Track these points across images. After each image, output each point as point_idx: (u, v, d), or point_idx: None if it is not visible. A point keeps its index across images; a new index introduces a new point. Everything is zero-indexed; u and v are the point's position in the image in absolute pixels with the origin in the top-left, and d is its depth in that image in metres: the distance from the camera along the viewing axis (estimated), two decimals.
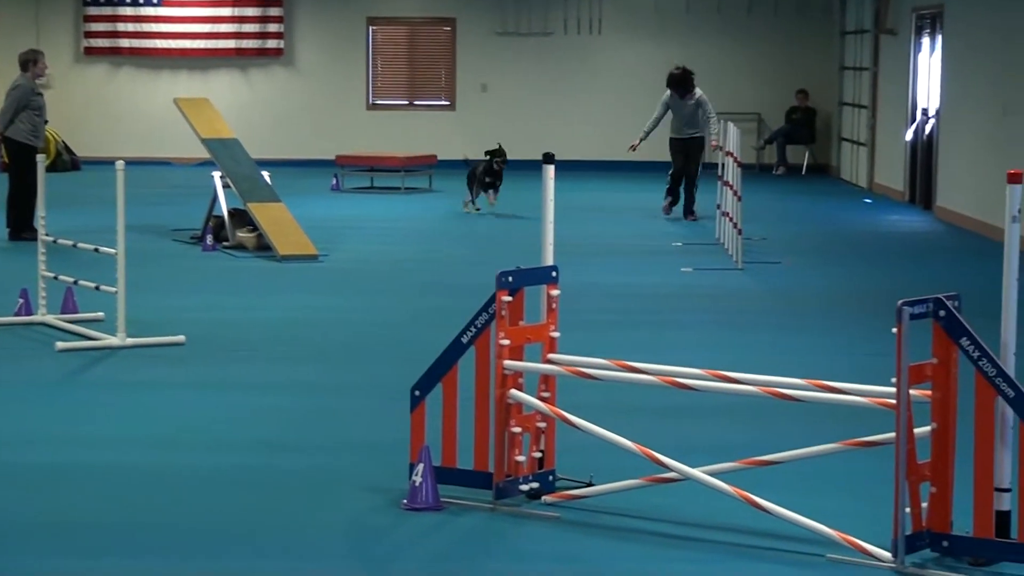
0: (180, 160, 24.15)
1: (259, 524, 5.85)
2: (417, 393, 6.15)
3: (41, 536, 5.68)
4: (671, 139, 17.19)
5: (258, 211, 14.08)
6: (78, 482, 6.41)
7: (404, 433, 6.22)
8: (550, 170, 6.39)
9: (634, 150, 17.21)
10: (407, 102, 25.12)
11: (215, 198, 14.45)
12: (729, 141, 14.67)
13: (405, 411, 6.22)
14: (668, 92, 17.08)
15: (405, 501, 5.98)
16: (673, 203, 17.26)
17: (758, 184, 20.06)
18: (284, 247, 13.60)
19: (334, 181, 20.86)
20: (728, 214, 14.27)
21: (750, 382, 5.86)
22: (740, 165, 13.90)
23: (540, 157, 6.49)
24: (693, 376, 5.97)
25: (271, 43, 24.79)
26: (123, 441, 7.10)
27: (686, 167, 17.11)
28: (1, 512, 5.97)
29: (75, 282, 9.85)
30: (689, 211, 17.05)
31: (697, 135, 17.14)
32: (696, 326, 10.41)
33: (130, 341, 9.21)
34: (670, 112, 17.15)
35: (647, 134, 17.10)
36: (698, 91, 17.03)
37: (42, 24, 24.73)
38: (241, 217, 14.33)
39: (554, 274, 6.30)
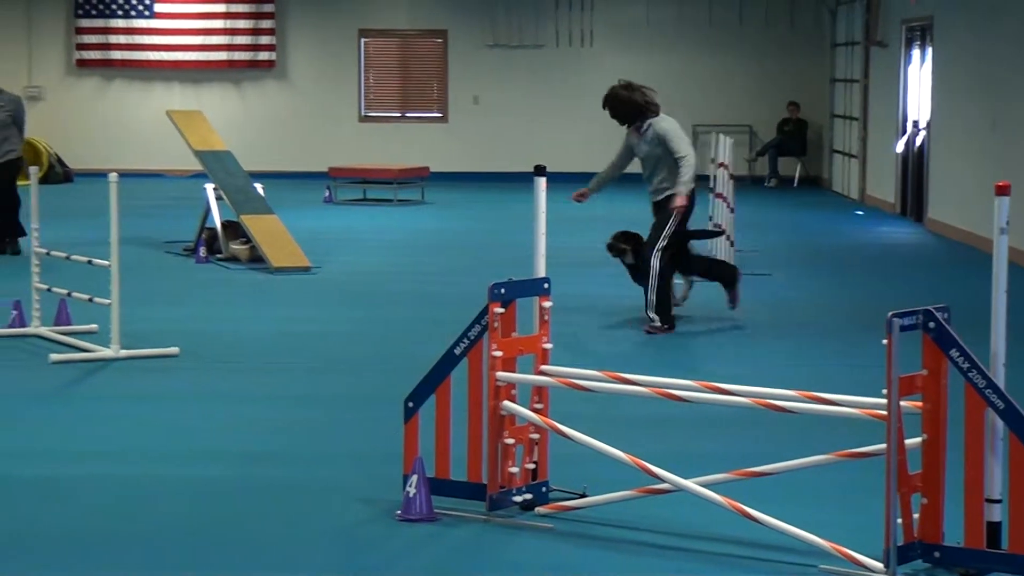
0: (173, 172, 24.18)
1: (253, 535, 5.87)
2: (411, 404, 6.17)
3: (34, 549, 5.68)
4: None
5: (251, 223, 14.10)
6: (71, 495, 6.42)
7: (396, 444, 6.24)
8: (542, 182, 6.42)
9: (582, 199, 10.70)
10: (399, 114, 25.16)
11: (208, 210, 14.48)
12: (722, 153, 14.71)
13: (397, 422, 6.24)
14: None
15: (399, 512, 6.00)
16: (665, 325, 10.47)
17: (750, 196, 20.12)
18: (277, 259, 13.63)
19: (327, 193, 20.89)
20: (720, 226, 14.31)
21: (741, 393, 5.88)
22: (732, 177, 13.96)
23: (532, 169, 6.53)
24: (685, 388, 6.00)
25: (263, 55, 24.84)
26: (116, 453, 7.11)
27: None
28: None
29: (69, 294, 9.86)
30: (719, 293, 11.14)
31: (664, 192, 10.48)
32: (687, 337, 10.44)
33: (124, 353, 9.23)
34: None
35: (599, 184, 10.73)
36: (661, 121, 10.43)
37: (34, 36, 24.77)
38: (234, 229, 14.35)
39: (546, 286, 6.33)
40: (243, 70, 24.91)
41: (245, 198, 14.51)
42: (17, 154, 14.61)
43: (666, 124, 10.49)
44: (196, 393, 8.45)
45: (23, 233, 14.23)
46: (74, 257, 9.98)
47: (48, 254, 10.12)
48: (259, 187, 14.77)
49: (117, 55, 24.76)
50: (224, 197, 14.38)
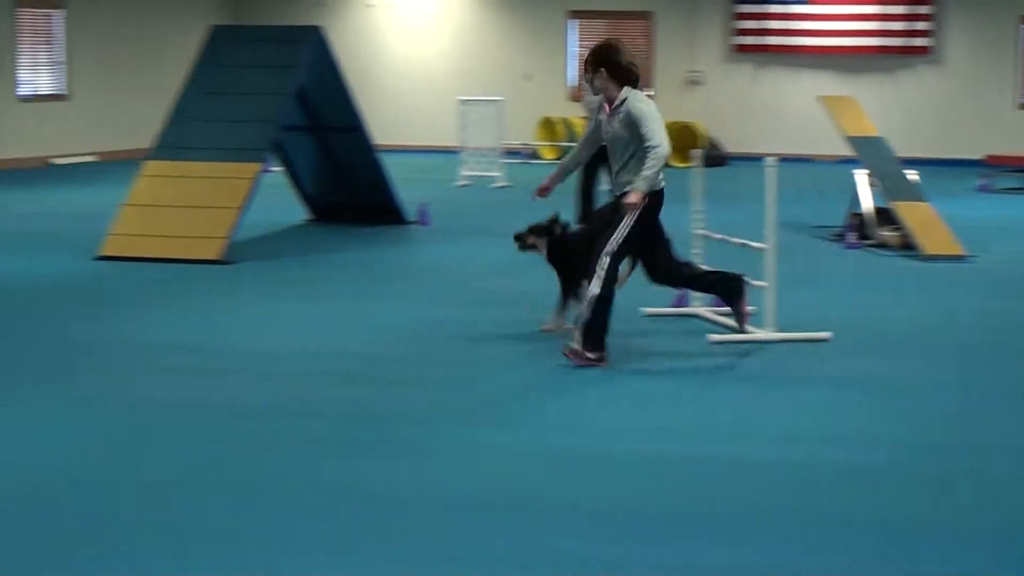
0: (821, 158, 24.26)
1: (911, 522, 5.78)
2: None
3: (699, 526, 5.86)
4: None
5: (903, 210, 13.94)
6: (717, 474, 6.54)
7: None
8: None
9: (544, 195, 9.04)
10: None
11: (856, 195, 14.43)
12: None
13: None
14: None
15: None
16: (594, 356, 8.59)
17: None
18: (929, 246, 13.39)
19: (983, 181, 20.27)
20: None
21: None
22: None
23: None
24: None
25: (918, 41, 24.41)
26: (769, 435, 7.20)
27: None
28: (659, 501, 6.22)
29: None
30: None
31: (628, 187, 8.64)
32: None
33: (778, 336, 9.35)
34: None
35: (560, 173, 9.15)
36: (639, 100, 8.64)
37: (697, 22, 25.57)
38: (884, 215, 14.23)
39: None
40: (895, 56, 24.58)
41: (897, 184, 14.35)
42: None
43: (643, 105, 8.64)
44: (845, 379, 8.39)
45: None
46: (731, 239, 10.21)
47: (707, 236, 10.41)
48: (912, 174, 14.56)
49: (772, 40, 25.11)
50: (875, 183, 14.30)
